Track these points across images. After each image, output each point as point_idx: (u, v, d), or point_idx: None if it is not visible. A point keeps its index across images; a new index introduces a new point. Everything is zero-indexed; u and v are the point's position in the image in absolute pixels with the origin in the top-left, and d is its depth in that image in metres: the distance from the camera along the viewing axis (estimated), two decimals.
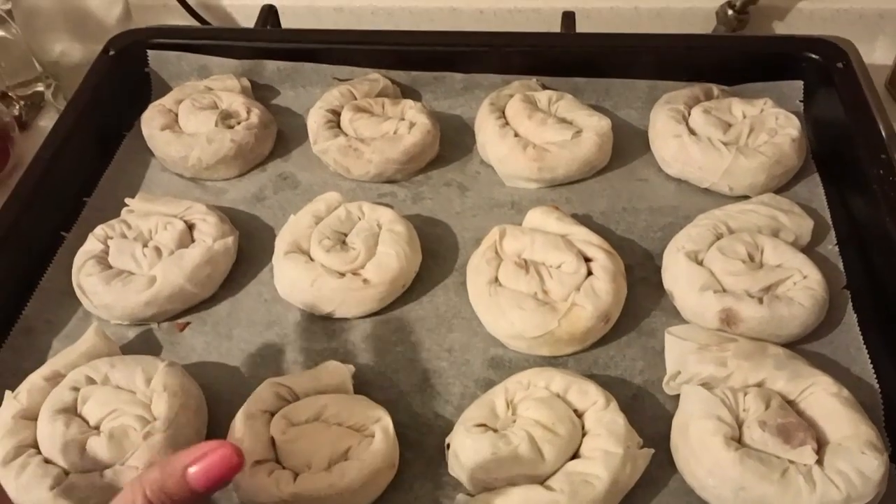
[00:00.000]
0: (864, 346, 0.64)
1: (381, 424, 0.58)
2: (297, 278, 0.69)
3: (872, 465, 0.53)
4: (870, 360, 0.63)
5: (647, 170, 0.81)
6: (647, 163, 0.82)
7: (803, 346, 0.65)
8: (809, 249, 0.71)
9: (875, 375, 0.62)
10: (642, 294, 0.70)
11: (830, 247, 0.72)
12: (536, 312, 0.65)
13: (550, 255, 0.68)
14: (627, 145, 0.83)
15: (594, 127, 0.79)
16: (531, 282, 0.67)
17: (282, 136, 0.87)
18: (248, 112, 0.84)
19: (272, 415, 0.60)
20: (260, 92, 0.90)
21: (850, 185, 0.75)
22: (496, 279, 0.68)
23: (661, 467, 0.59)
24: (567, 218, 0.72)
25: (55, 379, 0.62)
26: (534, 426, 0.57)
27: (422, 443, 0.61)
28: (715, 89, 0.83)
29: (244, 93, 0.87)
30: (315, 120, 0.83)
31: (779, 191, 0.76)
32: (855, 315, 0.66)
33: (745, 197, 0.76)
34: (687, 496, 0.58)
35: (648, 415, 0.62)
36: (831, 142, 0.80)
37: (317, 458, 0.57)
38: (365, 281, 0.68)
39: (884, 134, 0.74)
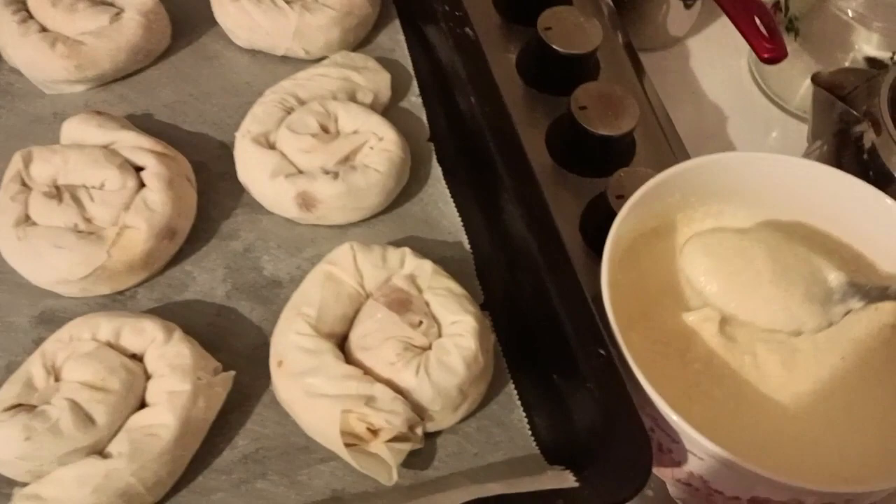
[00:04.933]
0: (451, 199, 0.61)
1: None
2: None
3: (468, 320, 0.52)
4: (457, 212, 0.61)
5: (216, 45, 0.70)
6: (216, 36, 0.70)
7: (397, 209, 0.62)
8: (393, 105, 0.66)
9: (462, 226, 0.60)
10: (222, 192, 0.62)
11: (413, 98, 0.67)
12: (78, 248, 0.54)
13: (90, 174, 0.57)
14: (192, 18, 0.71)
15: (136, 5, 0.66)
16: (67, 212, 0.55)
17: None
18: None
19: None
20: None
21: (425, 26, 0.70)
22: (27, 217, 0.56)
23: (257, 380, 0.53)
24: (112, 122, 0.60)
25: None
26: (78, 390, 0.48)
27: None
28: None
29: None
30: None
31: (360, 45, 0.70)
32: (440, 168, 0.63)
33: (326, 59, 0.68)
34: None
35: (237, 327, 0.56)
36: None
37: None
38: None
39: None
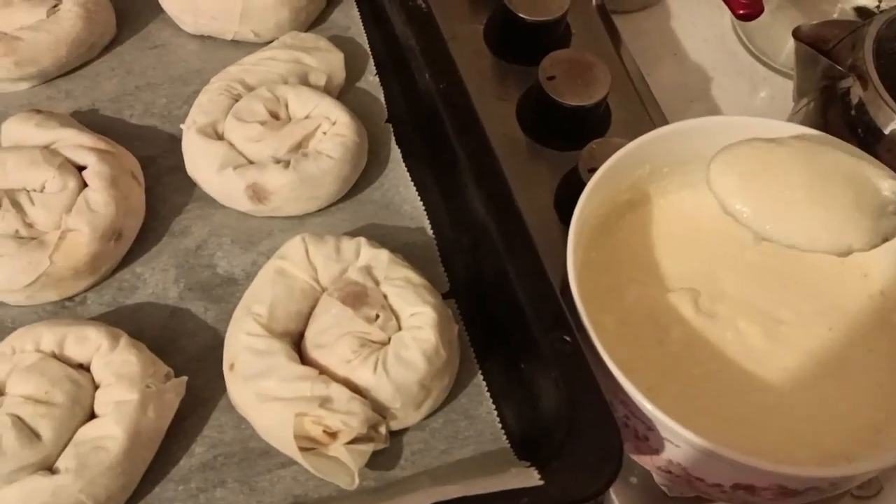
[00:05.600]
0: (412, 183, 0.59)
1: None
2: None
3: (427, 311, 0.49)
4: (419, 196, 0.58)
5: (164, 32, 0.67)
6: (164, 24, 0.67)
7: (357, 195, 0.59)
8: (350, 86, 0.63)
9: (425, 210, 0.57)
10: (172, 187, 0.59)
11: (371, 78, 0.64)
12: (20, 255, 0.51)
13: (29, 176, 0.54)
14: (138, 6, 0.67)
15: None
16: (7, 218, 0.52)
17: None
18: None
19: None
20: None
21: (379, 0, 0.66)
22: None
23: (214, 383, 0.51)
24: (52, 120, 0.57)
25: None
26: (22, 404, 0.46)
27: None
28: None
29: None
30: None
31: (314, 24, 0.66)
32: (399, 149, 0.60)
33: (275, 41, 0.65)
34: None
35: (191, 329, 0.53)
36: None
37: None
38: None
39: None
